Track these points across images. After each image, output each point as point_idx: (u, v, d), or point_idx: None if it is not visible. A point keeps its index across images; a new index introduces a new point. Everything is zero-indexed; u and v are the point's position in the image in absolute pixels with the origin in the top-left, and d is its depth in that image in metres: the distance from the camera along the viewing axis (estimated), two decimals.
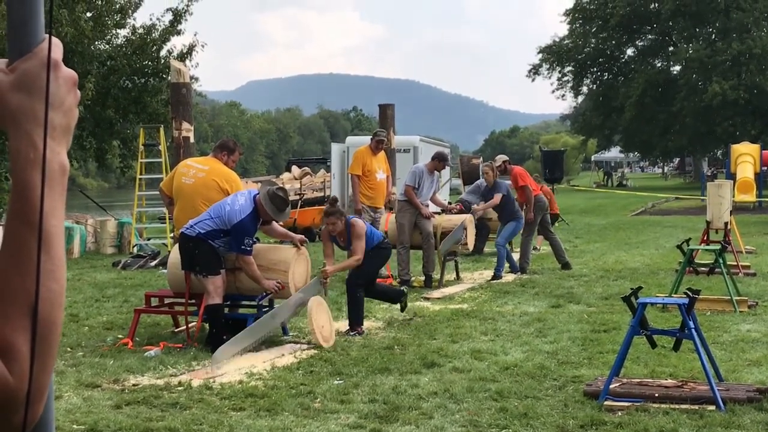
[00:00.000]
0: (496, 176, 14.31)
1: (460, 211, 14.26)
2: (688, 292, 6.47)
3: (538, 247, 17.80)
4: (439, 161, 13.18)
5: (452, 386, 6.88)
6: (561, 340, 8.78)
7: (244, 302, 9.23)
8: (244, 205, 8.36)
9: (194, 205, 9.05)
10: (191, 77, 23.65)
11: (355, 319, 9.22)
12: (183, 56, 22.57)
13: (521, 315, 10.33)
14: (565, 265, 14.77)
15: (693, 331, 6.36)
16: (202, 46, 23.01)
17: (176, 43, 47.95)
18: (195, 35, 22.97)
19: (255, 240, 8.54)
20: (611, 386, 6.39)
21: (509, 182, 14.87)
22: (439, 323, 9.79)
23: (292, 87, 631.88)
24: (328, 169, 31.76)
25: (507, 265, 14.17)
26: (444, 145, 32.44)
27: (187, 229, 8.49)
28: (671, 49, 62.53)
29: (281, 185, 8.86)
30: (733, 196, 30.01)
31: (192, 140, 14.75)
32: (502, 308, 10.87)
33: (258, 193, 8.46)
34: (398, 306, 10.04)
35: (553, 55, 64.85)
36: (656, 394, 6.29)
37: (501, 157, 15.10)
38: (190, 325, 8.81)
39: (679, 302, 6.55)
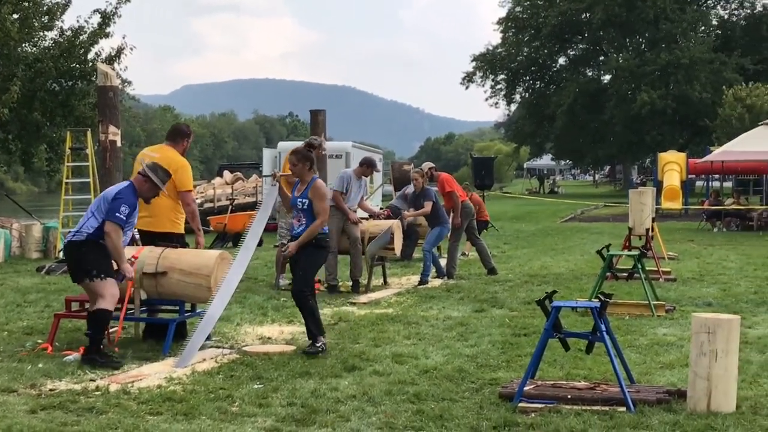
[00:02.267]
0: (426, 183, 14.41)
1: (388, 217, 14.35)
2: (600, 296, 6.60)
3: (467, 253, 17.99)
4: (367, 167, 13.23)
5: (371, 389, 6.93)
6: (482, 343, 8.88)
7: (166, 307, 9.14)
8: (121, 183, 8.21)
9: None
10: (124, 80, 23.49)
11: (317, 330, 8.46)
12: (111, 59, 22.34)
13: (445, 319, 10.42)
14: (491, 271, 14.94)
15: (604, 334, 6.49)
16: (131, 49, 22.81)
17: (104, 46, 47.49)
18: (123, 38, 22.78)
19: (132, 217, 8.06)
20: (526, 388, 6.49)
21: (436, 188, 15.01)
22: (363, 327, 9.83)
23: (228, 92, 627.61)
24: (260, 174, 31.71)
25: (434, 270, 14.27)
26: (377, 152, 32.54)
27: (74, 235, 8.10)
28: (602, 58, 63.68)
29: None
30: (660, 204, 30.88)
31: (119, 144, 14.62)
32: (427, 313, 10.95)
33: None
34: (308, 345, 8.52)
35: (487, 63, 65.49)
36: (569, 396, 6.40)
37: (427, 164, 15.23)
38: (111, 329, 8.72)
39: (591, 306, 6.69)
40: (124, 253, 8.06)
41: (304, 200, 8.53)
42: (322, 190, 8.54)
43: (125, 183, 8.18)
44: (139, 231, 9.31)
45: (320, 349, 8.29)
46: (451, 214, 14.55)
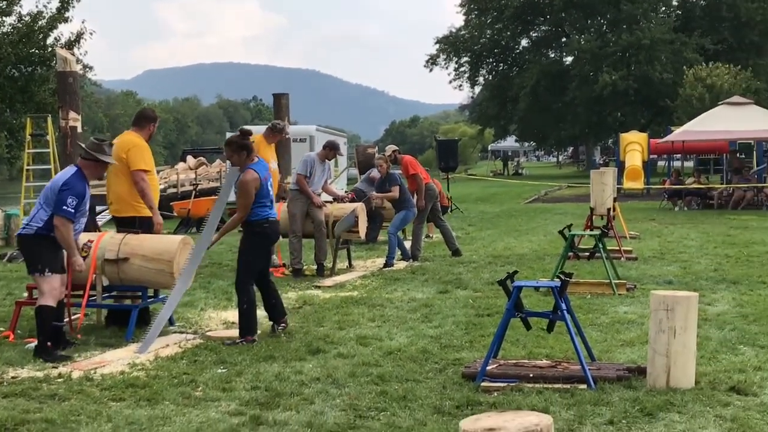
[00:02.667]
0: (390, 167, 14.43)
1: (353, 200, 14.34)
2: (561, 276, 6.64)
3: (431, 235, 18.05)
4: (330, 150, 13.19)
5: (335, 372, 6.95)
6: (445, 324, 8.93)
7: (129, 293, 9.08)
8: (66, 170, 8.03)
9: (109, 182, 9.18)
10: (85, 66, 23.22)
11: (246, 326, 8.23)
12: (71, 44, 22.09)
13: (409, 301, 10.46)
14: (456, 252, 15.00)
15: (564, 312, 6.54)
16: (91, 33, 22.56)
17: (64, 31, 47.05)
18: (83, 23, 22.50)
19: (83, 205, 7.82)
20: (489, 368, 6.54)
21: (400, 171, 15.02)
22: (327, 311, 9.85)
23: (191, 76, 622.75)
24: (224, 159, 31.52)
25: (399, 252, 14.30)
26: (341, 135, 32.54)
27: (24, 228, 7.92)
28: (564, 40, 63.87)
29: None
30: (622, 184, 31.09)
31: (79, 130, 14.45)
32: (392, 295, 10.99)
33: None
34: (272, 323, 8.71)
35: (450, 45, 65.49)
36: (531, 375, 6.45)
37: (390, 147, 15.24)
38: (73, 317, 8.66)
39: (551, 285, 6.73)
40: (75, 245, 7.88)
41: (236, 190, 8.50)
42: (244, 186, 8.30)
43: (71, 170, 7.92)
44: (113, 218, 9.38)
45: (238, 343, 8.07)
46: (415, 197, 14.56)
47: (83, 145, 8.22)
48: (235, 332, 8.43)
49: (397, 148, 15.36)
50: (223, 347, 7.92)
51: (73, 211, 7.69)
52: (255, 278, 8.47)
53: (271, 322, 8.70)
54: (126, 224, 9.10)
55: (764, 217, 22.58)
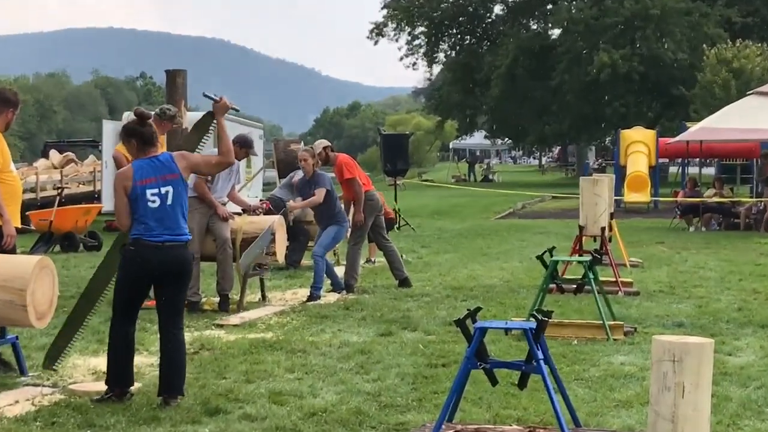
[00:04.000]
0: (318, 166, 14.39)
1: (269, 212, 14.26)
2: (537, 315, 6.65)
3: (372, 259, 18.07)
4: (240, 147, 12.97)
5: None
6: (387, 377, 8.92)
7: None
8: None
9: None
10: None
11: (113, 374, 8.24)
12: None
13: (340, 346, 10.44)
14: (403, 282, 15.02)
15: (541, 363, 6.54)
16: None
17: None
18: None
19: None
20: None
21: (333, 174, 15.01)
22: (232, 358, 9.79)
23: (58, 45, 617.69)
24: (99, 156, 31.29)
25: (328, 281, 14.26)
26: (256, 126, 32.32)
27: None
28: (549, 7, 64.23)
29: None
30: (622, 195, 31.23)
31: None
32: (318, 337, 10.96)
33: None
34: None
35: (402, 11, 65.63)
36: None
37: (321, 143, 15.17)
38: None
39: (525, 326, 6.73)
40: None
41: None
42: (116, 178, 8.32)
43: None
44: None
45: (106, 398, 8.04)
46: (351, 209, 14.54)
47: None
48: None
49: (329, 144, 15.32)
50: (91, 405, 7.81)
51: None
52: (129, 315, 8.39)
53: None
54: None
55: None
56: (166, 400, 8.01)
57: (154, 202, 8.17)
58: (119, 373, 8.20)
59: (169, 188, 8.22)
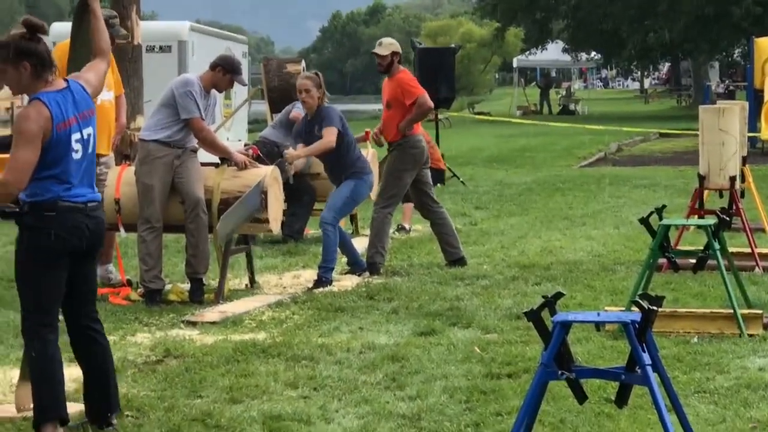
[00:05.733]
0: (324, 97, 12.40)
1: (258, 159, 12.29)
2: (642, 302, 5.97)
3: (407, 227, 15.99)
4: (224, 72, 11.39)
5: None
6: (430, 393, 7.93)
7: None
8: None
9: None
10: None
11: (45, 399, 7.19)
12: None
13: (363, 351, 9.24)
14: (456, 263, 12.98)
15: (648, 370, 5.89)
16: None
17: None
18: None
19: None
20: None
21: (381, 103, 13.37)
22: (210, 368, 8.74)
23: None
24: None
25: (343, 259, 12.72)
26: (238, 40, 29.93)
27: None
28: None
29: None
30: (759, 131, 28.95)
31: None
32: (330, 339, 9.72)
33: None
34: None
35: None
36: None
37: (390, 44, 13.09)
38: None
39: (624, 319, 6.13)
40: None
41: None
42: (17, 132, 7.11)
43: None
44: None
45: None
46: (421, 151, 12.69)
47: None
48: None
49: (400, 51, 13.25)
50: None
51: None
52: (55, 314, 7.28)
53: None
54: None
55: None
56: (109, 421, 7.32)
57: (77, 151, 7.27)
58: (54, 397, 7.18)
59: (90, 130, 7.37)
